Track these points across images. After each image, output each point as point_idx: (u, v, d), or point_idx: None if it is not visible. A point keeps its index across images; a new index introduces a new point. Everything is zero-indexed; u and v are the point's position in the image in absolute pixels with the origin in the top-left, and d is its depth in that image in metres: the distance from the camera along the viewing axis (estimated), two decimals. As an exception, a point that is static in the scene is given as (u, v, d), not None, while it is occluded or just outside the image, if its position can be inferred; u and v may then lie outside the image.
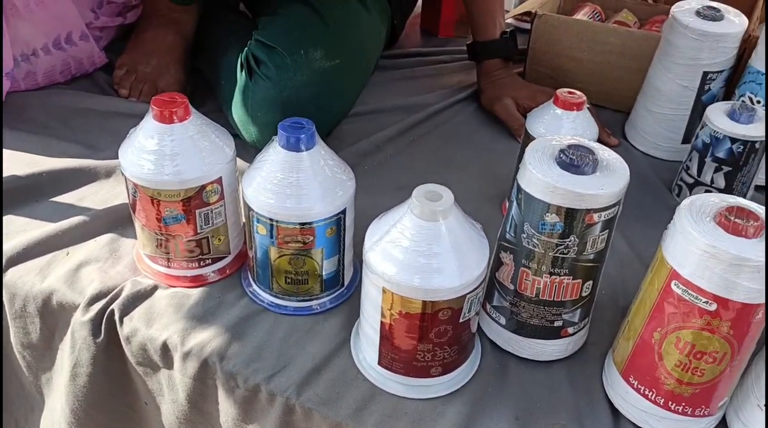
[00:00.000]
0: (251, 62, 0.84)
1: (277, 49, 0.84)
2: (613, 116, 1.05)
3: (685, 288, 0.49)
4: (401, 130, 0.97)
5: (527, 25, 1.11)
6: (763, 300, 0.48)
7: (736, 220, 0.48)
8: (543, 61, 1.07)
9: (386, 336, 0.56)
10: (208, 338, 0.62)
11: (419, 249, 0.52)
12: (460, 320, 0.55)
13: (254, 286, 0.68)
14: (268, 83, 0.82)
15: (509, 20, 1.28)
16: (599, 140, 0.96)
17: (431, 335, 0.55)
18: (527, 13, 1.18)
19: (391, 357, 0.57)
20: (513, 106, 0.97)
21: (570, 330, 0.61)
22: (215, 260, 0.68)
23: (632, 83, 0.99)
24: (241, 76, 0.84)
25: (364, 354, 0.61)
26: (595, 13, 1.13)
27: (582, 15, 1.12)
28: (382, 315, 0.55)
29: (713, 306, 0.48)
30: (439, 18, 1.28)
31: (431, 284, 0.52)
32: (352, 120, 0.98)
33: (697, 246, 0.48)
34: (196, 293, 0.67)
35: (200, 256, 0.67)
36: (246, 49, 0.87)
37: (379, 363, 0.59)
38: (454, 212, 0.53)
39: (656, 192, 0.88)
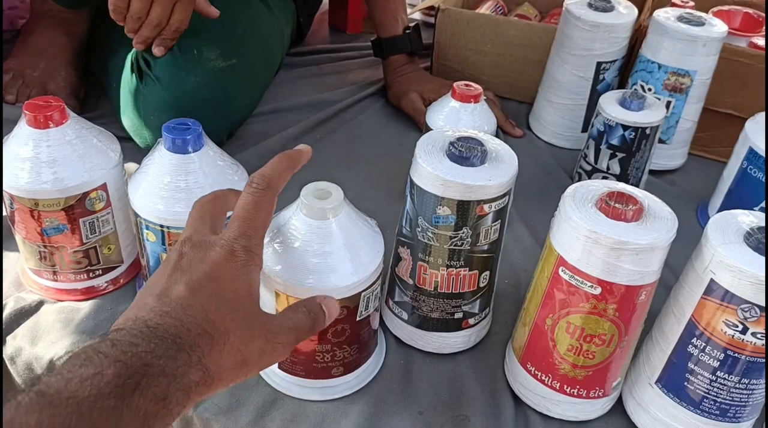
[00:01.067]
0: (141, 63, 0.80)
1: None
2: (519, 107, 1.07)
3: (571, 273, 0.50)
4: (307, 128, 0.96)
5: (433, 20, 1.12)
6: (644, 282, 0.49)
7: (616, 205, 0.49)
8: (448, 55, 1.08)
9: None
10: (98, 353, 0.59)
11: (311, 249, 0.51)
12: (357, 318, 0.54)
13: (149, 296, 0.65)
14: (159, 85, 0.78)
15: (415, 15, 1.29)
16: (504, 131, 0.98)
17: (328, 335, 0.54)
18: (432, 8, 1.19)
19: (290, 360, 0.56)
20: (419, 100, 0.98)
21: (471, 321, 0.61)
22: (107, 270, 0.65)
23: (534, 75, 1.00)
24: (131, 79, 0.81)
25: None
26: (498, 7, 1.15)
27: (485, 9, 1.14)
28: None
29: (598, 290, 0.49)
30: (347, 14, 1.27)
31: (324, 284, 0.51)
32: (257, 119, 0.96)
33: (580, 232, 0.48)
34: (86, 306, 0.64)
35: (89, 267, 0.64)
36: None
37: (280, 368, 0.57)
38: (345, 209, 0.52)
39: (559, 180, 0.90)
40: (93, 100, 0.95)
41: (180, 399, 0.34)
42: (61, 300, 0.64)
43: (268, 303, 0.54)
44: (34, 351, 0.60)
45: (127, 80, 0.81)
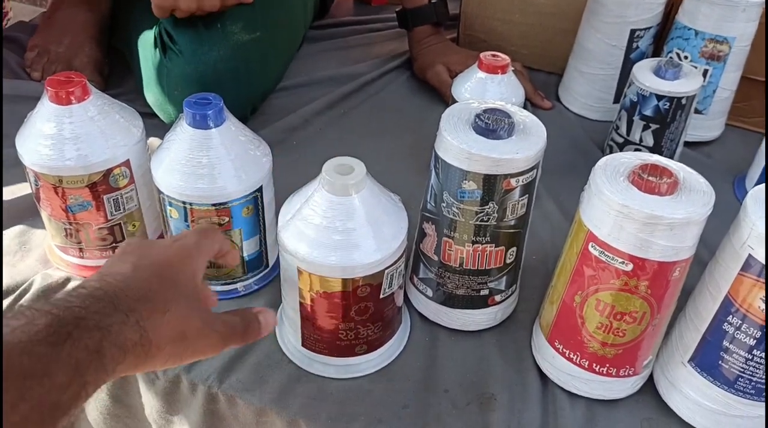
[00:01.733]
0: (164, 38, 0.79)
1: (192, 22, 0.80)
2: (548, 78, 1.04)
3: (601, 249, 0.48)
4: (331, 102, 0.94)
5: (459, -11, 1.09)
6: (678, 258, 0.47)
7: (650, 178, 0.47)
8: (475, 26, 1.05)
9: (307, 317, 0.54)
10: (124, 329, 0.59)
11: (333, 226, 0.50)
12: (381, 296, 0.53)
13: (174, 272, 0.65)
14: (182, 59, 0.78)
15: (442, -15, 1.25)
16: (532, 103, 0.95)
17: (352, 313, 0.53)
18: (459, -23, 1.16)
19: (314, 338, 0.56)
20: (445, 72, 0.95)
21: (497, 298, 0.60)
22: (132, 247, 0.65)
23: (564, 44, 0.97)
24: (155, 53, 0.80)
25: (288, 336, 0.59)
26: (527, -26, 1.11)
27: (513, -23, 1.10)
28: (301, 297, 0.53)
29: (629, 267, 0.47)
30: (372, -15, 1.25)
31: (348, 261, 0.50)
32: (281, 94, 0.95)
33: (611, 207, 0.47)
34: (112, 283, 0.64)
35: (114, 244, 0.64)
36: (159, 23, 0.82)
37: (303, 345, 0.57)
38: (367, 185, 0.51)
39: (588, 153, 0.87)
40: (118, 77, 0.95)
41: (115, 356, 0.35)
42: (88, 277, 0.64)
43: (291, 280, 0.53)
44: (61, 327, 0.60)
45: (151, 55, 0.80)
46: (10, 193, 0.73)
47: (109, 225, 0.62)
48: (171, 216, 0.59)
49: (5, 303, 0.62)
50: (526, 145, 0.52)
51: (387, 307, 0.55)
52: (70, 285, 0.36)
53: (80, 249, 0.63)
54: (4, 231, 0.69)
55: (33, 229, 0.69)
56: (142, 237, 0.45)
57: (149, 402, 0.60)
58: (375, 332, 0.56)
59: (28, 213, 0.70)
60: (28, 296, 0.62)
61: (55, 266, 0.65)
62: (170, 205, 0.58)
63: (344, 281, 0.51)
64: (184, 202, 0.58)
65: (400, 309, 0.59)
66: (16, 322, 0.32)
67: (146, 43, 0.82)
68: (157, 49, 0.79)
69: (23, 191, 0.72)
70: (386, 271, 0.52)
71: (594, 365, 0.53)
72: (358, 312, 0.53)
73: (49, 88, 0.57)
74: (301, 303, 0.54)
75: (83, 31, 0.95)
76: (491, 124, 0.52)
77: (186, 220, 0.59)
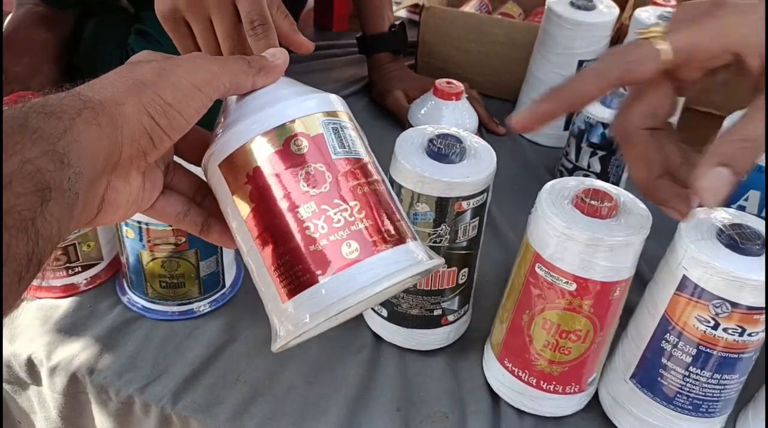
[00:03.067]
0: (131, 55, 0.80)
1: (158, 43, 0.81)
2: (503, 105, 1.07)
3: (547, 270, 0.50)
4: (291, 125, 0.95)
5: (418, 17, 1.12)
6: (619, 278, 0.50)
7: (592, 202, 0.49)
8: (433, 53, 1.08)
9: None
10: (76, 351, 0.59)
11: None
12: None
13: (129, 293, 0.65)
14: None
15: (401, 12, 1.29)
16: (487, 129, 0.98)
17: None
18: (417, 5, 1.19)
19: (269, 357, 0.56)
20: (403, 98, 0.98)
21: (450, 318, 0.61)
22: (86, 267, 0.65)
23: (518, 73, 1.01)
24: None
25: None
26: (482, 5, 1.15)
27: (470, 7, 1.14)
28: None
29: (573, 286, 0.50)
30: (333, 12, 1.27)
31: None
32: (240, 117, 0.96)
33: (556, 229, 0.49)
34: (65, 303, 0.64)
35: (68, 264, 0.63)
36: (127, 43, 0.83)
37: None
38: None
39: (541, 178, 0.90)
40: (75, 97, 0.95)
41: (54, 125, 0.27)
42: (40, 298, 0.64)
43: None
44: (12, 349, 0.59)
45: None
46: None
47: (63, 244, 0.62)
48: (127, 236, 0.60)
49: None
50: (477, 169, 0.54)
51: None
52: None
53: (33, 270, 0.63)
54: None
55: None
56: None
57: (101, 423, 0.59)
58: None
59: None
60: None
61: (7, 287, 0.64)
62: (126, 225, 0.59)
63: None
64: (139, 222, 0.58)
65: (355, 328, 0.60)
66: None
67: (111, 62, 0.82)
68: None
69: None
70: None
71: (541, 382, 0.55)
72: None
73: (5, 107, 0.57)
74: None
75: (42, 52, 0.95)
76: (443, 149, 0.54)
77: (141, 240, 0.59)
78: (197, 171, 0.38)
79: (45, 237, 0.26)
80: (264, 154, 0.33)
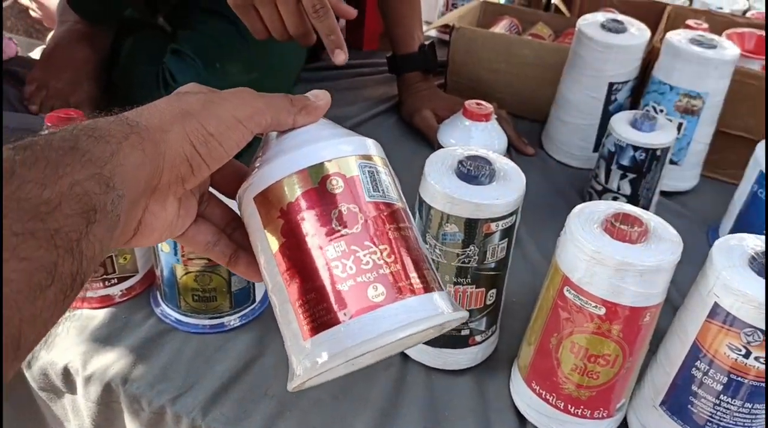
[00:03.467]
0: (167, 75, 0.83)
1: (192, 61, 0.83)
2: (531, 126, 1.07)
3: (576, 293, 0.50)
4: (321, 143, 0.97)
5: (448, 38, 1.13)
6: (649, 304, 0.50)
7: (621, 226, 0.49)
8: (462, 73, 1.09)
9: None
10: (111, 361, 0.60)
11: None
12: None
13: (162, 305, 0.66)
14: (181, 98, 0.80)
15: (431, 32, 1.30)
16: (516, 149, 0.98)
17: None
18: (448, 26, 1.20)
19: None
20: (432, 118, 0.99)
21: (477, 338, 0.62)
22: (122, 279, 0.67)
23: (547, 94, 1.01)
24: (156, 91, 0.83)
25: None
26: (512, 26, 1.16)
27: (500, 28, 1.15)
28: None
29: (602, 311, 0.50)
30: (363, 31, 1.29)
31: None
32: (272, 133, 0.97)
33: (585, 252, 0.49)
34: (101, 314, 0.65)
35: (105, 276, 0.65)
36: (163, 62, 0.86)
37: None
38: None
39: (570, 200, 0.90)
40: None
41: (102, 149, 0.28)
42: (77, 308, 0.66)
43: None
44: (49, 358, 0.61)
45: (153, 93, 0.83)
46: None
47: (100, 257, 0.64)
48: (162, 250, 0.61)
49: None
50: (506, 191, 0.55)
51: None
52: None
53: (71, 281, 0.65)
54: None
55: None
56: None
57: (132, 433, 0.61)
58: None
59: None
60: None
61: (45, 296, 0.66)
62: (162, 239, 0.60)
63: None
64: (175, 237, 0.59)
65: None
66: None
67: (147, 80, 0.85)
68: (160, 87, 0.82)
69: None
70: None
71: (569, 406, 0.55)
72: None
73: (48, 124, 0.59)
74: None
75: (82, 68, 0.98)
76: (473, 170, 0.55)
77: (176, 254, 0.60)
78: (231, 204, 0.38)
79: (88, 258, 0.27)
80: (299, 191, 0.33)
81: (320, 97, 0.37)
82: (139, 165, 0.30)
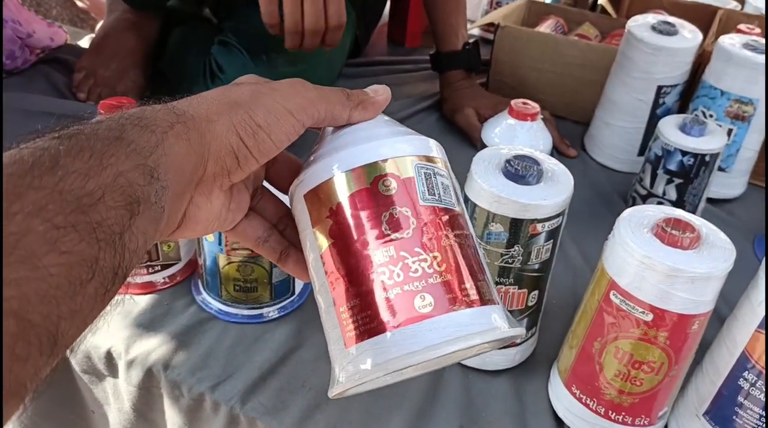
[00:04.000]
0: (213, 66, 0.84)
1: (239, 52, 0.84)
2: (574, 127, 1.06)
3: (623, 298, 0.50)
4: (362, 138, 0.97)
5: (492, 36, 1.12)
6: (698, 312, 0.49)
7: (673, 232, 0.48)
8: (505, 72, 1.08)
9: None
10: (153, 346, 0.61)
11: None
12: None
13: (204, 294, 0.67)
14: (228, 88, 0.81)
15: (475, 30, 1.29)
16: (558, 151, 0.97)
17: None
18: (492, 24, 1.19)
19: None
20: (474, 116, 0.98)
21: (517, 340, 0.61)
22: (165, 267, 0.68)
23: (592, 95, 1.00)
24: (203, 81, 0.84)
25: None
26: (558, 26, 1.15)
27: (545, 27, 1.13)
28: None
29: (650, 317, 0.49)
30: (406, 28, 1.29)
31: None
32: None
33: (634, 257, 0.48)
34: (144, 300, 0.66)
35: (149, 263, 0.66)
36: (210, 53, 0.87)
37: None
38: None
39: (612, 204, 0.89)
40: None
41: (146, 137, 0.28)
42: (120, 294, 0.67)
43: None
44: (93, 341, 0.62)
45: (199, 83, 0.84)
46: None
47: (145, 244, 0.65)
48: (206, 239, 0.62)
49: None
50: (554, 192, 0.54)
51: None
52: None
53: (116, 266, 0.66)
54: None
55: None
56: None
57: (171, 418, 0.61)
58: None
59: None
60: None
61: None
62: (206, 228, 0.61)
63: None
64: (219, 227, 0.60)
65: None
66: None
67: (194, 70, 0.86)
68: (206, 77, 0.83)
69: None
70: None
71: (610, 412, 0.54)
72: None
73: (101, 111, 0.60)
74: None
75: (130, 57, 1.00)
76: (520, 170, 0.54)
77: (220, 244, 0.61)
78: (285, 199, 0.37)
79: (131, 251, 0.26)
80: (350, 191, 0.32)
81: (380, 92, 0.36)
82: (184, 155, 0.29)
